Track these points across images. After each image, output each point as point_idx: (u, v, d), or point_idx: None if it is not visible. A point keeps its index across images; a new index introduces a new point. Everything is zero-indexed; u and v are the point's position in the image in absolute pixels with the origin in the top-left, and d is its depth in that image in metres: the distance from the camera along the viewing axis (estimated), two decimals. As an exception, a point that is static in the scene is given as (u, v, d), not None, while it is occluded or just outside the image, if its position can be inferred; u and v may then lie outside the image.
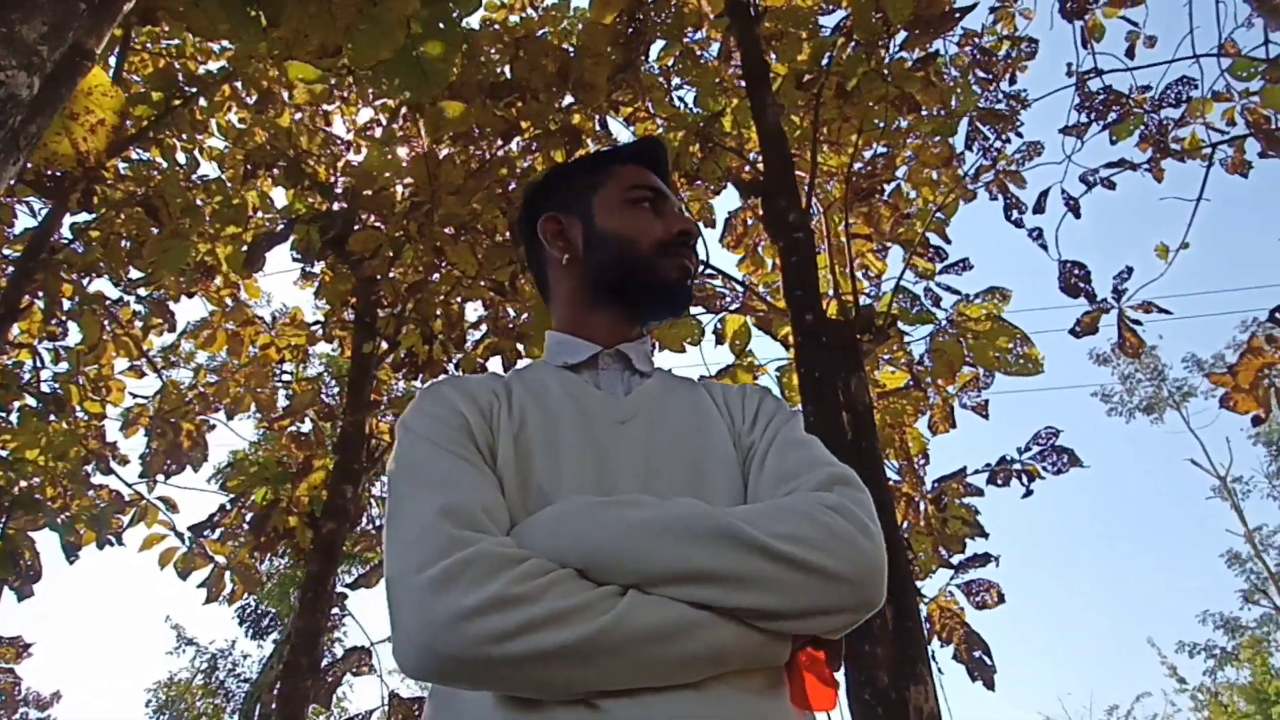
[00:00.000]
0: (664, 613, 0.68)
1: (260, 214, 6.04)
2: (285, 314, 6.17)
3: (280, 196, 6.14)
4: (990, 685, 3.72)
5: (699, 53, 4.93)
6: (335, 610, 3.71)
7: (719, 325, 4.88)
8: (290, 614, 12.33)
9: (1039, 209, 4.67)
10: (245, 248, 5.00)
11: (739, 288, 4.79)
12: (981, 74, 4.91)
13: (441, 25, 2.13)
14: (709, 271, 4.69)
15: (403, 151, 4.69)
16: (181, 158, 5.73)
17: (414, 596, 0.68)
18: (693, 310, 4.41)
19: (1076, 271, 3.85)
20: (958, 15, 3.35)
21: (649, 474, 0.86)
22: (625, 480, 0.84)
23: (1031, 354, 3.69)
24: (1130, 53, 5.34)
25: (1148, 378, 21.77)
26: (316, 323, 5.81)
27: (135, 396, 5.95)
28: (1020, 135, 5.05)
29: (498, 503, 0.78)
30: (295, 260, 5.16)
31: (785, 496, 0.81)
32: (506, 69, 4.64)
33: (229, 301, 6.03)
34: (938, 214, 4.39)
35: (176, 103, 5.30)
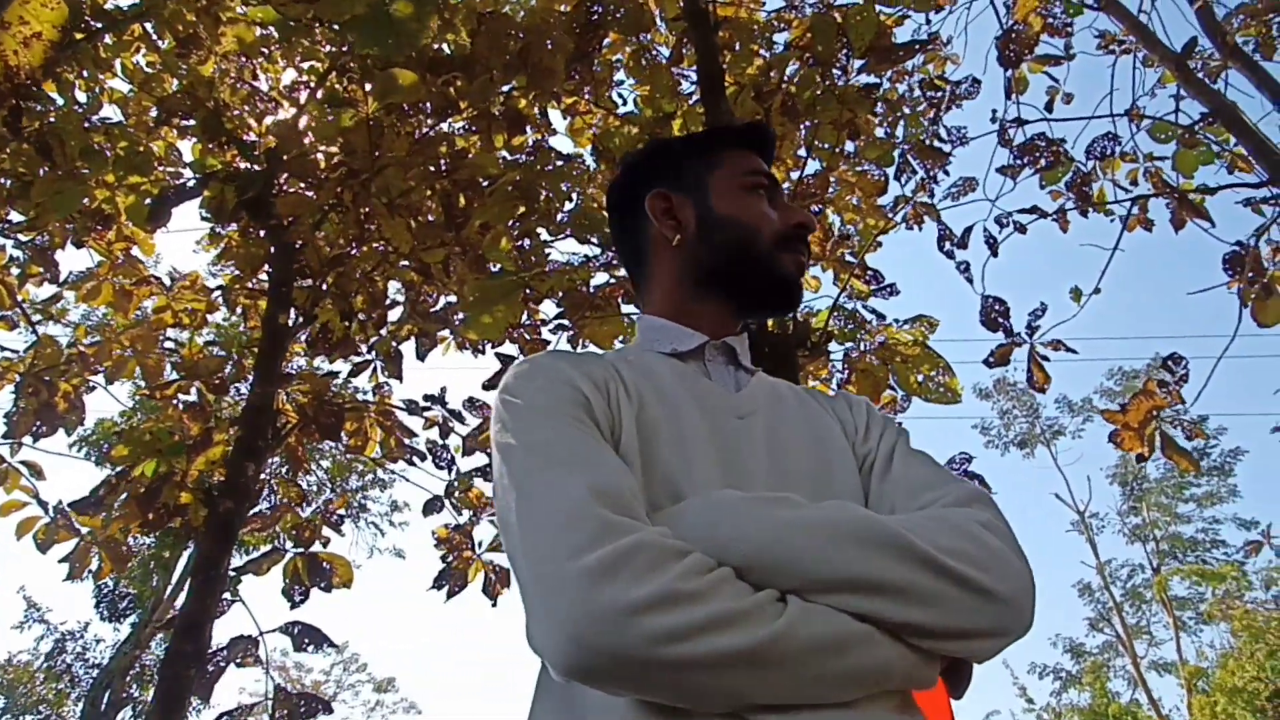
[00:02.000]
0: (833, 623, 0.62)
1: (164, 166, 5.62)
2: (184, 276, 5.74)
3: (187, 150, 5.74)
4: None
5: (649, 53, 4.90)
6: (226, 596, 3.47)
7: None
8: (152, 596, 11.52)
9: (962, 244, 4.87)
10: (149, 200, 4.63)
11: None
12: (908, 110, 5.09)
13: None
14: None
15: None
16: (82, 97, 5.27)
17: (570, 585, 0.61)
18: (625, 309, 4.36)
19: (997, 307, 4.01)
20: (918, 46, 3.45)
21: (777, 472, 0.80)
22: (755, 476, 0.79)
23: (951, 384, 3.81)
24: (1049, 107, 5.67)
25: (1023, 415, 23.17)
26: (219, 288, 5.44)
27: (3, 350, 5.43)
28: (948, 173, 5.27)
29: (638, 488, 0.70)
30: (204, 219, 4.81)
31: (925, 509, 0.76)
32: (445, 45, 4.48)
33: (120, 256, 5.57)
34: (874, 239, 4.50)
35: (79, 36, 4.87)
